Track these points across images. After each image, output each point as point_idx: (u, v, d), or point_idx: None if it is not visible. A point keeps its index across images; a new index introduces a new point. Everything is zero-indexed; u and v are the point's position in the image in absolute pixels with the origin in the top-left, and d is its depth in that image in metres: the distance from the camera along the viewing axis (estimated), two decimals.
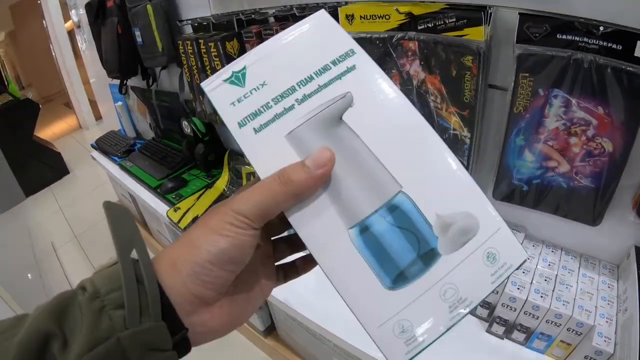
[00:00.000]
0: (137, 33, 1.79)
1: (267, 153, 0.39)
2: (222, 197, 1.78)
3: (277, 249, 0.45)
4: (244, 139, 0.39)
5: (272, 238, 0.45)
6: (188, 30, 1.64)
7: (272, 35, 1.10)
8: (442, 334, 0.37)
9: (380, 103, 0.39)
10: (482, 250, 0.37)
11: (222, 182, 1.86)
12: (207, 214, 0.37)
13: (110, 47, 2.03)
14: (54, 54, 5.56)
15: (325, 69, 0.40)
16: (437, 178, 0.38)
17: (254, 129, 0.39)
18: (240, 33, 1.28)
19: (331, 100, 0.39)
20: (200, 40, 1.37)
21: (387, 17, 0.86)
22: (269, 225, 0.38)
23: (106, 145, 2.58)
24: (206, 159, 1.96)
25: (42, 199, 4.23)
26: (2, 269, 2.90)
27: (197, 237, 0.35)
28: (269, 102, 0.40)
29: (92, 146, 2.71)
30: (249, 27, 1.27)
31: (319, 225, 0.37)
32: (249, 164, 1.74)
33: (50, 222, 3.73)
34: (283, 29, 1.09)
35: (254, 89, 0.40)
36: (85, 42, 2.99)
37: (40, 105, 4.37)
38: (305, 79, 0.40)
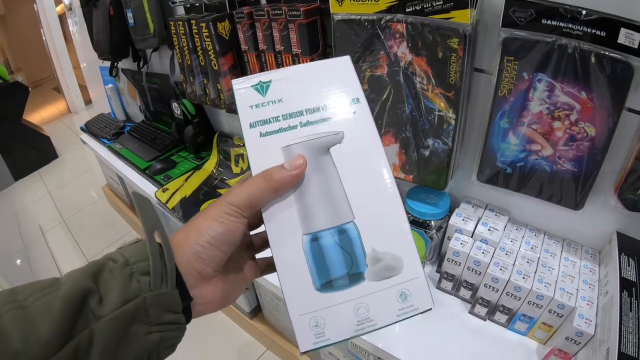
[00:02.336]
0: (129, 14, 1.78)
1: (264, 155, 0.47)
2: (210, 178, 1.78)
3: (256, 242, 0.55)
4: (250, 138, 0.48)
5: (252, 232, 0.54)
6: (180, 11, 1.63)
7: (263, 16, 1.12)
8: (346, 339, 0.44)
9: (361, 149, 0.48)
10: (398, 288, 0.45)
11: (210, 164, 1.86)
12: (208, 206, 0.46)
13: (101, 29, 2.01)
14: (44, 38, 5.49)
15: (330, 106, 0.49)
16: (385, 222, 0.46)
17: (260, 132, 0.48)
18: (232, 14, 1.28)
19: (327, 133, 0.47)
20: (192, 21, 1.36)
21: None
22: (251, 220, 0.48)
23: (96, 128, 2.56)
24: (195, 141, 1.96)
25: (31, 182, 4.20)
26: None
27: (199, 224, 0.44)
28: (278, 116, 0.48)
29: (82, 129, 2.68)
30: (240, 7, 1.27)
31: (282, 224, 0.46)
32: (239, 147, 1.75)
33: (38, 205, 3.71)
34: (274, 10, 1.10)
35: (272, 101, 0.49)
36: (76, 24, 2.96)
37: (30, 89, 4.33)
38: (313, 108, 0.48)
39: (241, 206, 0.44)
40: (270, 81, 0.50)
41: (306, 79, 0.50)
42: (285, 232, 0.46)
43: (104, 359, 0.37)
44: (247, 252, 0.53)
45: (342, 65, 0.51)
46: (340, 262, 0.45)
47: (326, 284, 0.45)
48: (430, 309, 0.45)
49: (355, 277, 0.45)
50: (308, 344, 0.44)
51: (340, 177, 0.47)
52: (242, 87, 0.50)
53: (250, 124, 0.48)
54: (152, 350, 0.40)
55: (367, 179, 0.47)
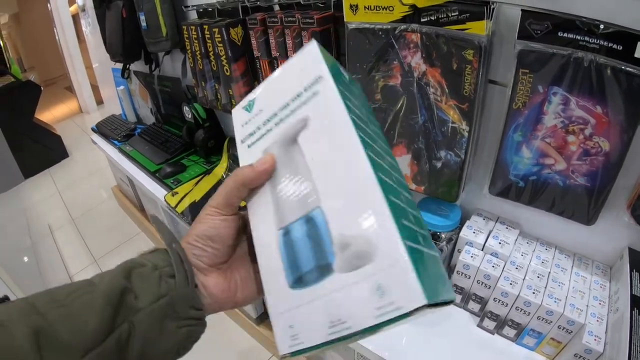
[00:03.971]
0: (142, 17, 1.79)
1: (251, 162, 0.48)
2: (220, 183, 1.76)
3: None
4: (241, 151, 0.52)
5: None
6: (193, 15, 1.64)
7: (277, 23, 1.12)
8: (320, 345, 0.38)
9: (326, 126, 0.43)
10: (373, 280, 0.35)
11: (220, 169, 1.86)
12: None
13: (114, 31, 2.02)
14: (57, 37, 5.54)
15: (298, 95, 0.46)
16: (355, 200, 0.38)
17: (247, 145, 0.51)
18: (244, 20, 1.28)
19: (291, 124, 0.46)
20: (204, 26, 1.37)
21: (390, 8, 0.86)
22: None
23: (106, 129, 2.57)
24: (206, 145, 1.96)
25: (41, 181, 4.24)
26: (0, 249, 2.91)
27: (191, 228, 0.50)
28: (259, 125, 0.50)
29: (93, 129, 2.70)
30: (253, 14, 1.27)
31: (261, 221, 0.47)
32: None
33: (47, 204, 3.73)
34: (287, 17, 1.09)
35: (255, 114, 0.51)
36: (89, 25, 2.98)
37: (42, 88, 4.36)
38: (284, 105, 0.48)
39: (218, 205, 0.49)
40: (254, 98, 0.52)
41: (279, 80, 0.50)
42: (264, 231, 0.46)
43: (143, 347, 0.42)
44: (244, 253, 0.55)
45: (307, 51, 0.48)
46: (308, 255, 0.41)
47: (297, 280, 0.41)
48: (426, 306, 0.32)
49: (323, 269, 0.39)
50: (285, 347, 0.41)
51: (308, 163, 0.43)
52: (237, 110, 0.54)
53: (241, 140, 0.52)
54: (182, 344, 0.46)
55: (334, 157, 0.41)
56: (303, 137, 0.45)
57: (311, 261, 0.40)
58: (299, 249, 0.42)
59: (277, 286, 0.43)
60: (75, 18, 5.10)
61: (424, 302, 0.32)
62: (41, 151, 4.36)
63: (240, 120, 0.53)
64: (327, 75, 0.45)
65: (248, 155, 0.50)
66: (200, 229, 0.49)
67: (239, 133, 0.53)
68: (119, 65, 2.45)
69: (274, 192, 0.46)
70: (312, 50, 0.47)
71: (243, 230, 0.52)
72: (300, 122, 0.45)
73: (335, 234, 0.39)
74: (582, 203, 0.86)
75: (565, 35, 0.72)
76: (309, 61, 0.47)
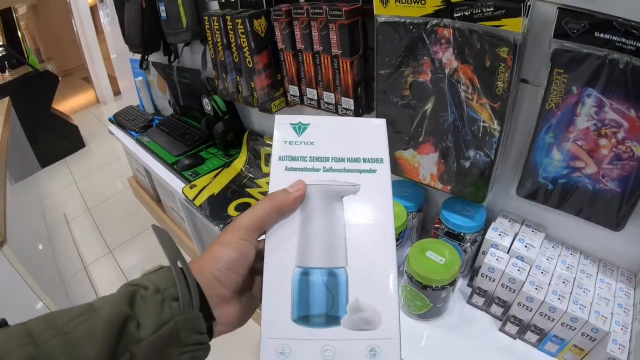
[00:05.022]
0: (162, 8, 1.78)
1: (282, 186, 0.51)
2: (239, 176, 1.78)
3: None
4: (276, 168, 0.53)
5: None
6: (214, 6, 1.62)
7: (302, 15, 1.10)
8: None
9: (372, 205, 0.51)
10: (370, 343, 0.45)
11: (239, 162, 1.86)
12: (223, 232, 0.50)
13: (133, 22, 2.02)
14: (75, 28, 5.58)
15: (356, 159, 0.53)
16: (375, 277, 0.47)
17: (286, 166, 0.53)
18: (269, 11, 1.26)
19: (345, 183, 0.51)
20: (227, 17, 1.36)
21: (422, 2, 0.84)
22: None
23: (124, 120, 2.58)
24: (225, 138, 1.94)
25: (57, 171, 4.28)
26: (15, 237, 2.92)
27: (215, 250, 0.48)
28: (306, 157, 0.53)
29: (110, 120, 2.71)
30: (278, 5, 1.25)
31: (280, 252, 0.49)
32: (269, 146, 1.74)
33: (64, 193, 3.77)
34: (314, 8, 1.08)
35: (304, 142, 0.54)
36: (108, 16, 2.98)
37: (60, 79, 4.39)
38: (339, 157, 0.53)
39: (252, 228, 0.48)
40: (308, 124, 0.55)
41: (341, 130, 0.55)
42: (280, 260, 0.48)
43: None
44: (256, 273, 0.55)
45: (376, 126, 0.56)
46: (321, 301, 0.47)
47: (303, 318, 0.46)
48: None
49: (332, 319, 0.46)
50: None
51: (345, 225, 0.50)
52: (283, 123, 0.56)
53: (279, 156, 0.54)
54: None
55: (370, 234, 0.49)
56: (348, 199, 0.51)
57: (322, 308, 0.47)
58: (314, 293, 0.47)
59: (278, 314, 0.46)
60: (93, 9, 5.14)
61: None
62: (58, 141, 4.40)
63: (285, 135, 0.55)
64: (387, 162, 0.53)
65: (283, 177, 0.52)
66: (231, 256, 0.47)
67: (278, 148, 0.54)
68: (137, 56, 2.45)
69: (303, 229, 0.50)
70: (380, 128, 0.55)
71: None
72: (352, 187, 0.51)
73: (352, 296, 0.47)
74: (611, 208, 0.84)
75: (601, 35, 0.70)
76: (376, 136, 0.55)
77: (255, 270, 0.53)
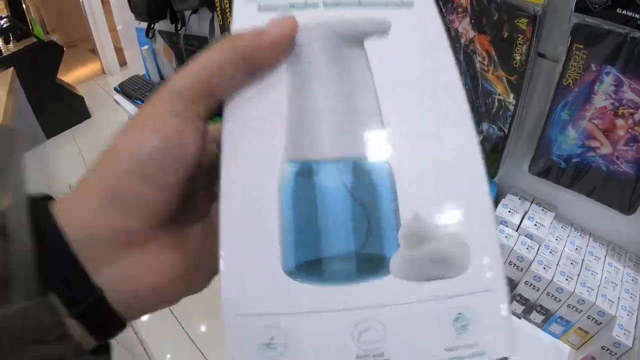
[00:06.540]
0: None
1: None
2: None
3: None
4: (242, 11, 0.27)
5: None
6: None
7: None
8: None
9: (418, 51, 0.27)
10: (455, 304, 0.23)
11: None
12: (141, 106, 0.26)
13: None
14: None
15: None
16: (445, 176, 0.24)
17: (259, 5, 0.27)
18: None
19: (364, 19, 0.27)
20: None
21: None
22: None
23: (130, 89, 2.55)
24: None
25: (63, 141, 4.26)
26: None
27: (121, 141, 0.24)
28: None
29: (116, 89, 2.68)
30: None
31: (252, 136, 0.25)
32: None
33: (69, 165, 3.76)
34: None
35: None
36: None
37: (65, 50, 4.37)
38: None
39: (192, 96, 0.24)
40: None
41: None
42: (253, 152, 0.25)
43: None
44: (208, 186, 0.30)
45: None
46: (346, 229, 0.24)
47: (308, 266, 0.23)
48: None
49: (370, 263, 0.23)
50: None
51: (376, 87, 0.26)
52: None
53: None
54: None
55: (424, 98, 0.26)
56: (374, 45, 0.26)
57: (349, 243, 0.23)
58: (327, 211, 0.24)
59: (255, 267, 0.23)
60: None
61: (511, 352, 0.23)
62: (63, 111, 4.38)
63: None
64: None
65: (254, 19, 0.26)
66: (147, 146, 0.23)
67: None
68: (143, 25, 2.42)
69: (296, 95, 0.26)
70: None
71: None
72: (378, 24, 0.27)
73: (407, 212, 0.24)
74: (624, 190, 0.83)
75: (624, 12, 0.69)
76: None
77: (206, 181, 0.29)
